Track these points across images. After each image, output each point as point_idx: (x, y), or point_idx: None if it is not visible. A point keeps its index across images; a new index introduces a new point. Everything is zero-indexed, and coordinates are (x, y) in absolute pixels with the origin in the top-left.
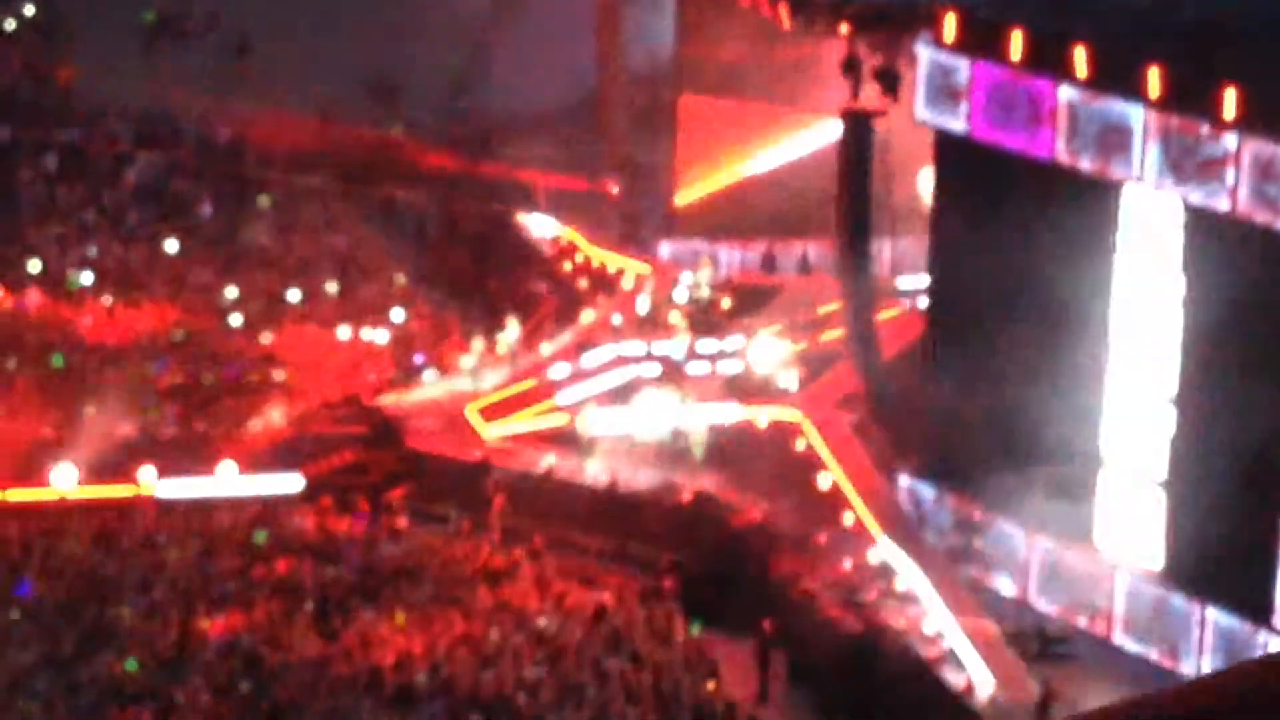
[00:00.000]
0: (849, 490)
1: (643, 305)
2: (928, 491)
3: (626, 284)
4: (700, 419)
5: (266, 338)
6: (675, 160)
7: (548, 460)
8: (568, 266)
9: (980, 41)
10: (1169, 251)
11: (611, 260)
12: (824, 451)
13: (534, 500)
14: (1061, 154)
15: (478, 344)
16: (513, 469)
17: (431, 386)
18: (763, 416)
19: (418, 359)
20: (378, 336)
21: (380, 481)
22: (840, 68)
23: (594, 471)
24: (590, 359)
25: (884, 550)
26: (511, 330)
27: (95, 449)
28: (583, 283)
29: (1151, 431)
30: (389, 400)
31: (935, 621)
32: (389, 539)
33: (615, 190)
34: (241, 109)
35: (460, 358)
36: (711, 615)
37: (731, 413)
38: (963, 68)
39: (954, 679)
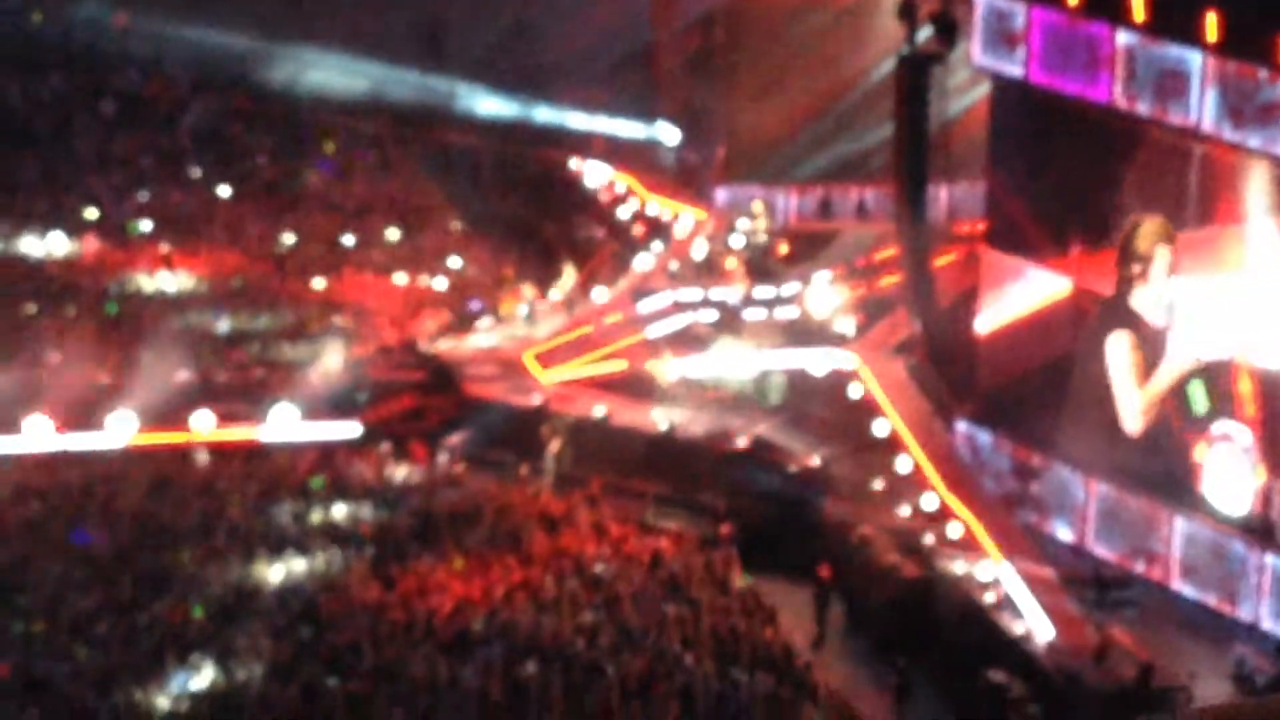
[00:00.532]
0: (906, 436)
1: (699, 251)
2: (985, 437)
3: (682, 230)
4: (776, 364)
5: (323, 284)
6: (733, 105)
7: (603, 406)
8: (624, 213)
9: None
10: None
11: (667, 206)
12: (881, 397)
13: (591, 446)
14: (1119, 99)
15: (532, 290)
16: (570, 414)
17: (488, 333)
18: (820, 362)
19: (474, 305)
20: (435, 282)
21: (438, 427)
22: (897, 12)
23: (655, 417)
24: (647, 305)
25: (941, 496)
26: (568, 276)
27: (153, 396)
28: (639, 229)
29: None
30: (446, 346)
31: (992, 567)
32: (446, 485)
33: (672, 135)
34: (298, 54)
35: (516, 304)
36: (769, 561)
37: (790, 358)
38: (1020, 12)
39: (1011, 625)
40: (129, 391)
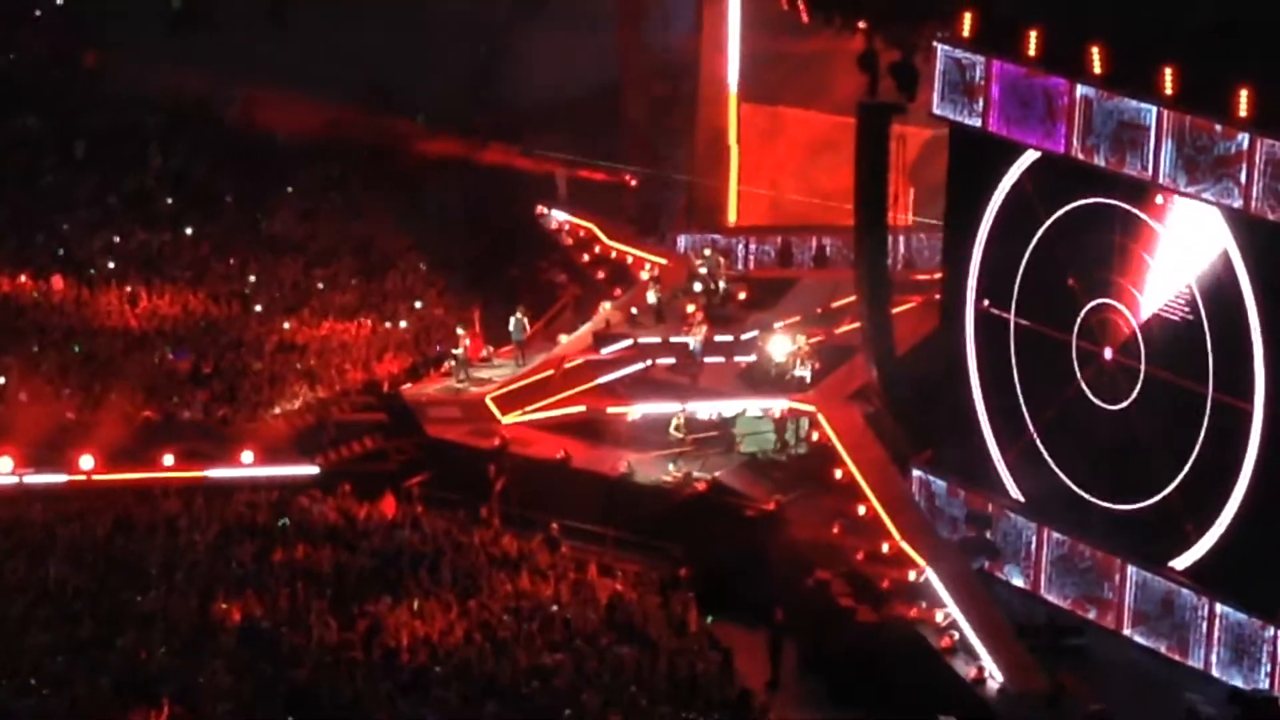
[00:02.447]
0: (862, 482)
1: (660, 297)
2: (940, 484)
3: (644, 275)
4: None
5: (288, 325)
6: (695, 153)
7: (563, 449)
8: (586, 257)
9: (997, 39)
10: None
11: (630, 251)
12: (838, 443)
13: (550, 488)
14: (1077, 150)
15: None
16: (531, 457)
17: (451, 375)
18: (777, 408)
19: (438, 347)
20: (399, 325)
21: (399, 469)
22: (858, 63)
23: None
24: (608, 349)
25: (897, 541)
26: (521, 320)
27: (117, 433)
28: (601, 274)
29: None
30: (409, 388)
31: (946, 612)
32: (407, 526)
33: (634, 182)
34: (267, 96)
35: (478, 347)
36: (725, 604)
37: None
38: (979, 64)
39: (965, 670)
40: (94, 429)
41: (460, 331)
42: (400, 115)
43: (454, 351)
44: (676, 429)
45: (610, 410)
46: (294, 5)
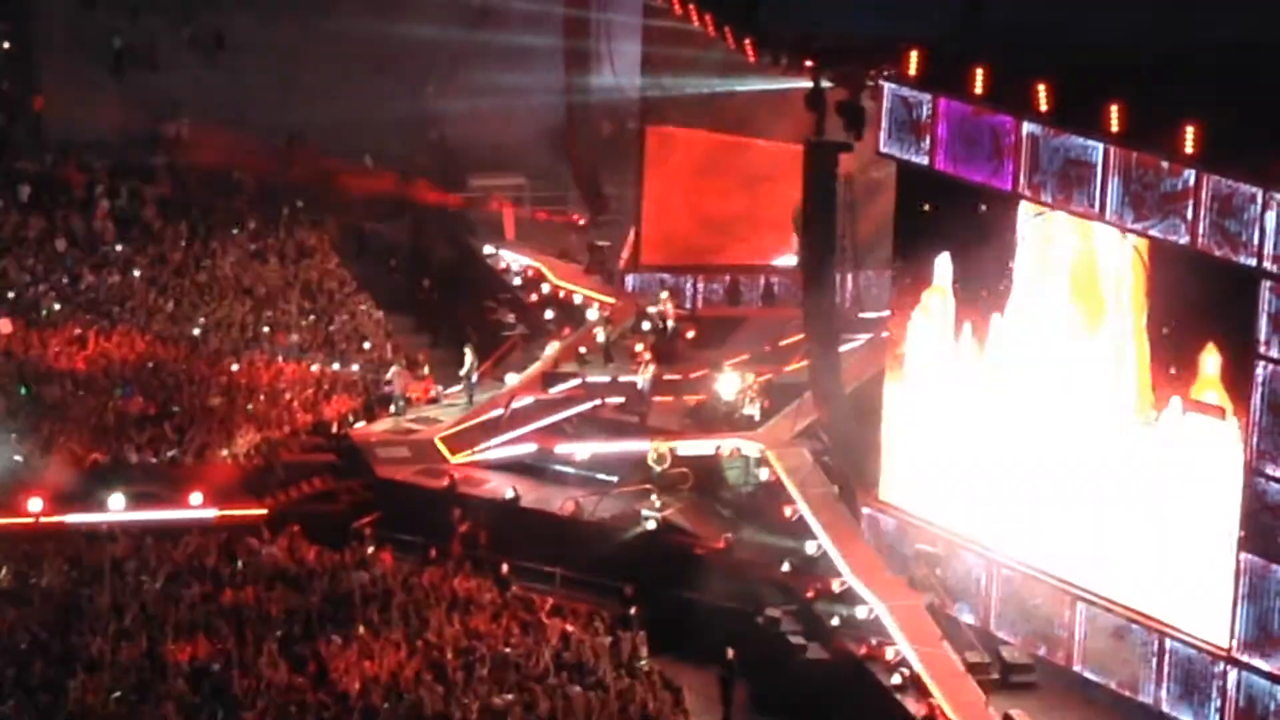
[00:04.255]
0: (811, 520)
1: (608, 336)
2: (889, 521)
3: (592, 314)
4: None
5: (236, 366)
6: (643, 192)
7: (512, 489)
8: (534, 297)
9: (943, 77)
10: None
11: (577, 291)
12: (787, 481)
13: (500, 528)
14: (1024, 188)
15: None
16: (480, 497)
17: (399, 415)
18: (726, 446)
19: (386, 388)
20: (349, 366)
21: (349, 509)
22: (805, 101)
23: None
24: (556, 388)
25: (846, 579)
26: (470, 360)
27: (65, 476)
28: (549, 313)
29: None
30: (358, 428)
31: (897, 650)
32: (356, 566)
33: (582, 221)
34: (211, 137)
35: (428, 387)
36: (675, 643)
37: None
38: (926, 102)
39: (915, 707)
40: (41, 471)
41: (395, 368)
42: (343, 154)
43: (386, 379)
44: (656, 460)
45: (559, 449)
46: (237, 45)
